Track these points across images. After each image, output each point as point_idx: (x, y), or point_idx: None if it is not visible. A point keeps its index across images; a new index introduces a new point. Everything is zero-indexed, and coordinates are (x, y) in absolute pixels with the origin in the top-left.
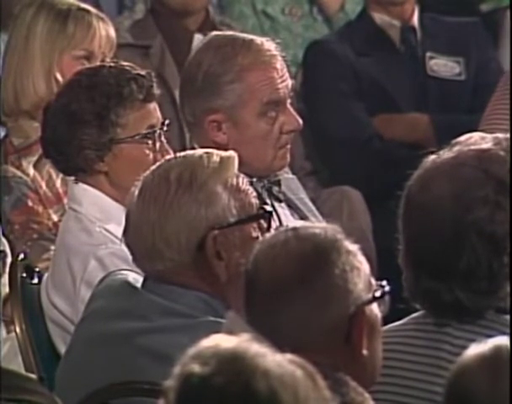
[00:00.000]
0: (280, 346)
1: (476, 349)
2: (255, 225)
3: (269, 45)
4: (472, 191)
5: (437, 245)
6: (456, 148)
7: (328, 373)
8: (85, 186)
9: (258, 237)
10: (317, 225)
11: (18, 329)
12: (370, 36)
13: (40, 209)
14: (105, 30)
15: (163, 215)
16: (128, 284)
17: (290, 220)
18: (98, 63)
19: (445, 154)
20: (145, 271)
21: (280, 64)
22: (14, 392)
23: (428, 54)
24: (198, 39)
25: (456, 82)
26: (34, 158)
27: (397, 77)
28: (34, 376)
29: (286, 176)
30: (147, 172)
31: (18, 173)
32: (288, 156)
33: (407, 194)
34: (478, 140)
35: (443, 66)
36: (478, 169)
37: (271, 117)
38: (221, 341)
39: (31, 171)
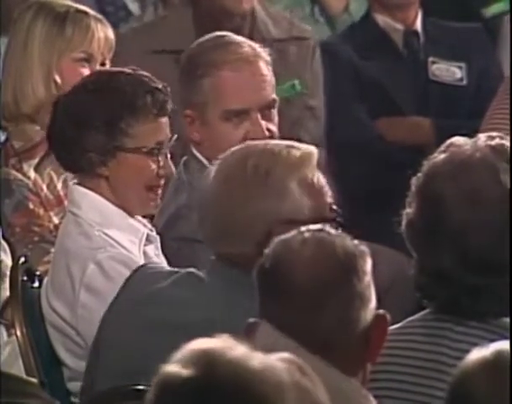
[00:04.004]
0: (312, 343)
1: (478, 353)
2: None
3: (251, 46)
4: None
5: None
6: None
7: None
8: (85, 190)
9: None
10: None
11: (18, 333)
12: (373, 39)
13: (41, 211)
14: (103, 32)
15: (243, 201)
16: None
17: None
18: (112, 68)
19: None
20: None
21: (258, 69)
22: (14, 396)
23: (430, 59)
24: None
25: (457, 87)
26: (35, 161)
27: (399, 80)
28: (34, 380)
29: None
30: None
31: (19, 176)
32: None
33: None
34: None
35: (445, 70)
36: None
37: (235, 122)
38: (206, 343)
39: (32, 174)
